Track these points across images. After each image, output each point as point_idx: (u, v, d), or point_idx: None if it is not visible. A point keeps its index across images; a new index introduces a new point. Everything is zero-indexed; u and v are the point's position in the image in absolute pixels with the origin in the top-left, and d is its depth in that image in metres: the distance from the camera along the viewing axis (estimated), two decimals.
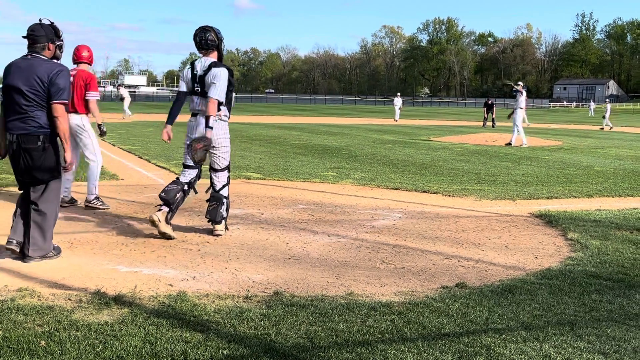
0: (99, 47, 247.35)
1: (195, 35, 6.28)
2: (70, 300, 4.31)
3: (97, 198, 7.77)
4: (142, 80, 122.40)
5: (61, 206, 7.82)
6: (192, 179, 6.36)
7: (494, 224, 7.45)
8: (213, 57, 6.34)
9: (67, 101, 5.25)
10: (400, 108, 42.78)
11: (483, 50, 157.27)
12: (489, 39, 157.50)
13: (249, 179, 10.74)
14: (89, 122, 7.80)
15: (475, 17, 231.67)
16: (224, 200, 6.42)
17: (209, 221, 6.45)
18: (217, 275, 5.08)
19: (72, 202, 7.93)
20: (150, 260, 5.48)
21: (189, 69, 6.37)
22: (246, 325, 3.93)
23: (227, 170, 6.50)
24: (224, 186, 6.46)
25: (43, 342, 3.53)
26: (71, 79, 6.69)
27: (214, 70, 6.21)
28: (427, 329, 3.97)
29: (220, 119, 6.31)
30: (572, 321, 4.20)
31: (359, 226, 7.13)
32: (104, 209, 7.69)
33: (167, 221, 6.13)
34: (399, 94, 47.09)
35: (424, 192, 9.78)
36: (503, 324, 4.11)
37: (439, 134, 26.10)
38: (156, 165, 12.11)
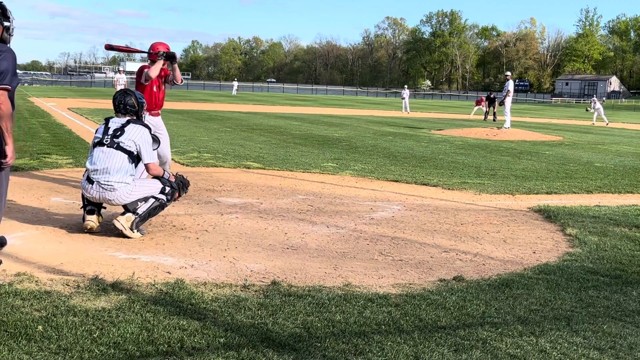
0: (103, 33, 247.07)
1: None
2: (68, 285, 4.32)
3: None
4: None
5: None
6: None
7: (492, 218, 7.45)
8: None
9: (7, 86, 4.52)
10: (406, 99, 42.91)
11: (486, 44, 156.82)
12: (492, 32, 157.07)
13: (248, 168, 10.73)
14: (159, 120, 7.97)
15: (479, 11, 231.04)
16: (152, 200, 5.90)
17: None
18: (215, 263, 5.08)
19: None
20: (148, 247, 5.48)
21: None
22: (243, 314, 3.94)
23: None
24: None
25: (40, 327, 3.54)
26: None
27: None
28: (423, 322, 3.98)
29: None
30: (568, 316, 4.21)
31: (357, 217, 7.13)
32: None
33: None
34: (405, 86, 47.19)
35: (423, 184, 9.78)
36: (499, 318, 4.12)
37: (440, 126, 26.07)
38: None
